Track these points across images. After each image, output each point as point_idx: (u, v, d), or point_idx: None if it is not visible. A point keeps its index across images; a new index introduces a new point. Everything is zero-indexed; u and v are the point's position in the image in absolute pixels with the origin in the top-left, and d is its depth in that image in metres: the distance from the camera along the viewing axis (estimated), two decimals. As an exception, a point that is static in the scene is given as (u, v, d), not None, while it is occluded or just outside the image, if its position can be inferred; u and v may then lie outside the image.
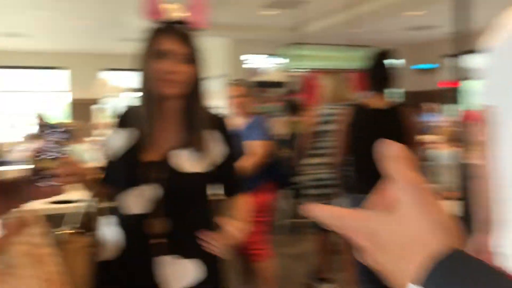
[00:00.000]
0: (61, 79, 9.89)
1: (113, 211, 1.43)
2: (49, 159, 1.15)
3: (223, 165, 1.46)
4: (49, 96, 10.02)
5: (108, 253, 1.42)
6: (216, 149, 1.44)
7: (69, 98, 9.83)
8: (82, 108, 8.76)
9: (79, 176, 1.26)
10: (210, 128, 1.43)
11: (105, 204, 1.46)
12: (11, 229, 1.18)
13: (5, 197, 1.11)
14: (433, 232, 0.36)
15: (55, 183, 1.12)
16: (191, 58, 1.37)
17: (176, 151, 1.38)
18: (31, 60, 9.38)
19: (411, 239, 0.36)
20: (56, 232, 1.41)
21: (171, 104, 1.40)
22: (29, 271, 1.18)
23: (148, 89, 1.38)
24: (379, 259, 0.38)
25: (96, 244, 1.45)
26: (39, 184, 1.11)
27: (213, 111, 1.50)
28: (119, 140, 1.43)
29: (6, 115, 9.46)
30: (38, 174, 1.12)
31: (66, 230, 1.45)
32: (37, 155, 1.15)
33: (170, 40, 1.36)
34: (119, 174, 1.41)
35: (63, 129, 1.19)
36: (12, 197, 1.12)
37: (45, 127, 1.20)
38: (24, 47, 8.79)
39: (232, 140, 1.51)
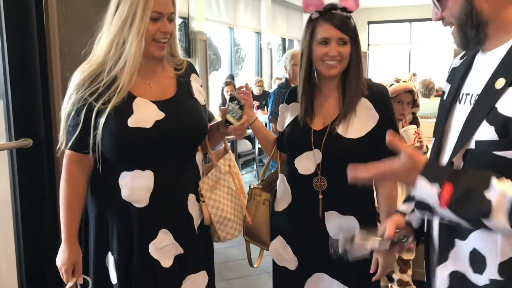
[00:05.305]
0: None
1: (285, 171, 1.77)
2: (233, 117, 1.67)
3: (374, 132, 1.61)
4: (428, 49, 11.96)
5: (280, 206, 1.76)
6: (369, 117, 1.62)
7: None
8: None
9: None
10: (365, 98, 1.62)
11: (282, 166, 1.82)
12: (219, 154, 1.76)
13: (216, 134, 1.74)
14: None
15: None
16: (348, 40, 1.59)
17: (335, 121, 1.63)
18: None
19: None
20: (250, 187, 1.84)
21: (332, 81, 1.66)
22: (229, 183, 1.70)
23: (308, 70, 1.67)
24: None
25: (273, 198, 1.81)
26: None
27: (372, 82, 1.69)
28: (289, 114, 1.76)
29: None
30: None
31: (256, 186, 1.85)
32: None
33: (328, 28, 1.58)
34: (287, 142, 1.75)
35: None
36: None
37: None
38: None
39: (387, 108, 1.66)
